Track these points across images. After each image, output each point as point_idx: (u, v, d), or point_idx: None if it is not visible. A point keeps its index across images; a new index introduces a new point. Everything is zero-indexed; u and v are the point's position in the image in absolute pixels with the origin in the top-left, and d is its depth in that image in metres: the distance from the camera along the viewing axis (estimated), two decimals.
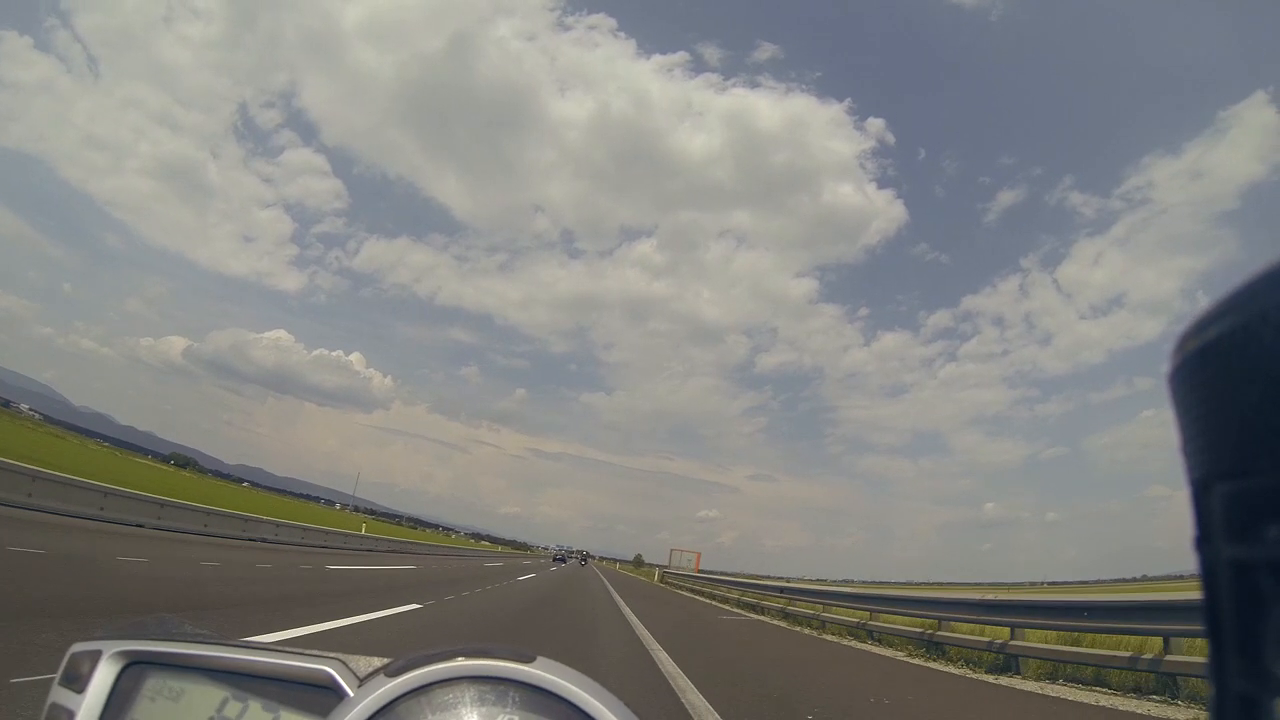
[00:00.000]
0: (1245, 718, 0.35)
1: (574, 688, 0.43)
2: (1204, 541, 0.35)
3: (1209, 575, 0.35)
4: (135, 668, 0.60)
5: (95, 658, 0.60)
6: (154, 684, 0.59)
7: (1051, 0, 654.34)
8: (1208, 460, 0.35)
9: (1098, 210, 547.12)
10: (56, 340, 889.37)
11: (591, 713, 0.42)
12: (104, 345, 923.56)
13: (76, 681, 0.60)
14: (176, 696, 0.58)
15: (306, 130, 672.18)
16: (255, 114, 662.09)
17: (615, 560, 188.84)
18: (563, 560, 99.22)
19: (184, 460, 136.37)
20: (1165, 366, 0.36)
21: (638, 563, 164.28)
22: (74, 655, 0.62)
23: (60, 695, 0.60)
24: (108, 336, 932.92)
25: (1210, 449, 0.35)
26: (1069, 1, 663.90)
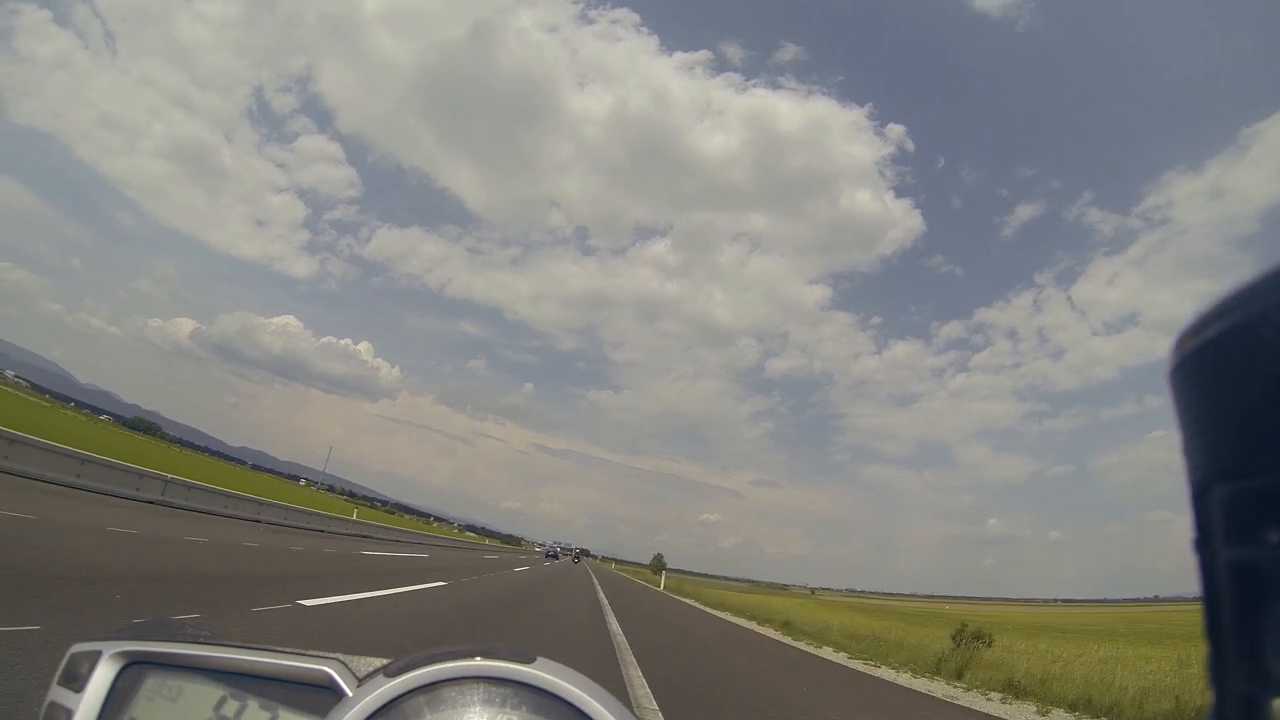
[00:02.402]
0: (1245, 718, 0.35)
1: (573, 688, 0.42)
2: (1203, 542, 0.35)
3: (1208, 576, 0.35)
4: (134, 668, 0.60)
5: (94, 658, 0.60)
6: (153, 684, 0.59)
7: (1077, 13, 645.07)
8: (1207, 461, 0.35)
9: (1116, 228, 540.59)
10: (65, 318, 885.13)
11: (591, 713, 0.42)
12: (112, 324, 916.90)
13: (75, 681, 0.60)
14: (175, 696, 0.58)
15: (322, 116, 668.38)
16: (271, 98, 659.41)
17: (628, 563, 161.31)
18: (555, 556, 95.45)
19: (145, 425, 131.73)
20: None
21: (657, 567, 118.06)
22: (73, 655, 0.61)
23: (59, 695, 0.60)
24: (116, 316, 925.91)
25: (1210, 449, 0.35)
26: (1094, 15, 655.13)
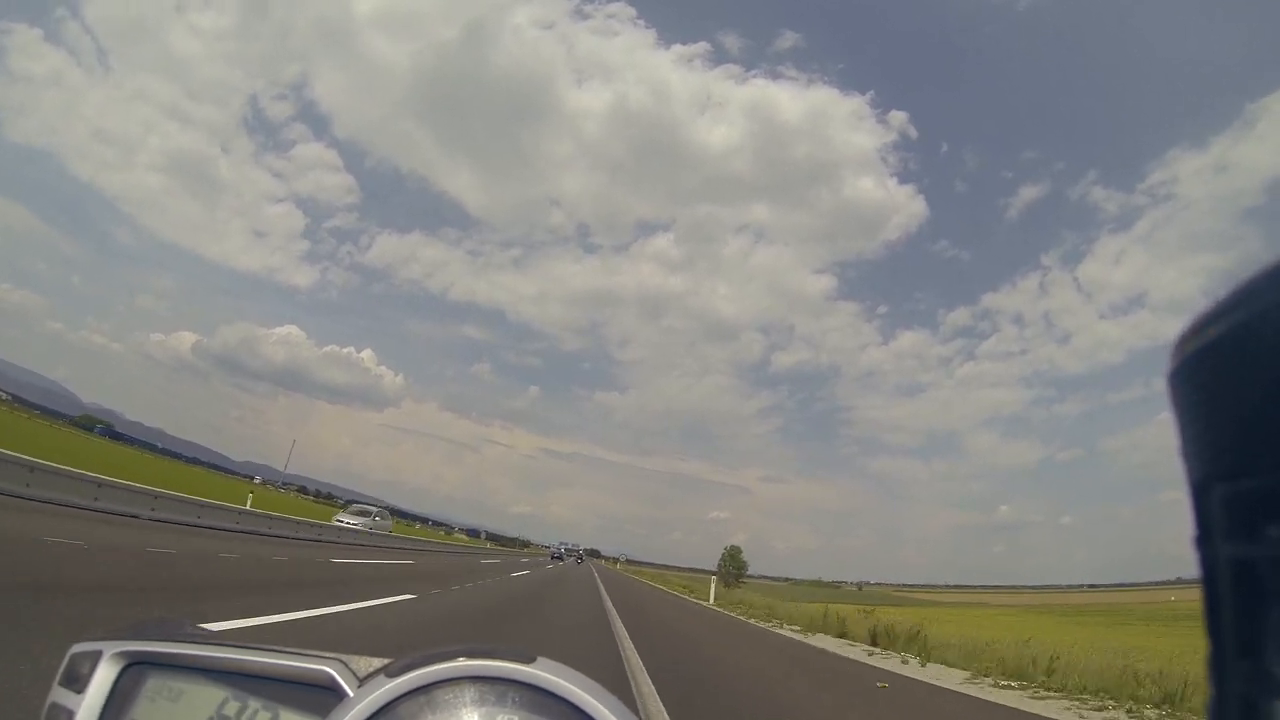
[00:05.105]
0: (1245, 718, 0.35)
1: (574, 688, 0.43)
2: (1203, 541, 0.35)
3: (1208, 575, 0.35)
4: (135, 668, 0.60)
5: (95, 658, 0.60)
6: (154, 684, 0.59)
7: None
8: (1207, 461, 0.35)
9: (1120, 206, 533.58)
10: (66, 336, 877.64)
11: (591, 713, 0.42)
12: (114, 341, 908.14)
13: (76, 682, 0.60)
14: (176, 697, 0.58)
15: (318, 124, 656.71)
16: (266, 106, 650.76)
17: (640, 564, 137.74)
18: (560, 558, 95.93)
19: (96, 423, 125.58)
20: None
21: (731, 568, 72.30)
22: (74, 656, 0.62)
23: (60, 695, 0.60)
24: (117, 333, 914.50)
25: (1210, 449, 0.35)
26: None
